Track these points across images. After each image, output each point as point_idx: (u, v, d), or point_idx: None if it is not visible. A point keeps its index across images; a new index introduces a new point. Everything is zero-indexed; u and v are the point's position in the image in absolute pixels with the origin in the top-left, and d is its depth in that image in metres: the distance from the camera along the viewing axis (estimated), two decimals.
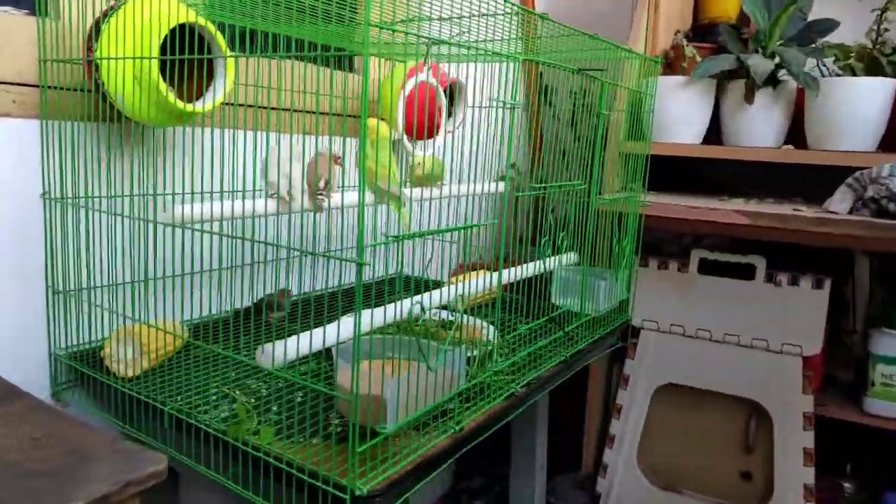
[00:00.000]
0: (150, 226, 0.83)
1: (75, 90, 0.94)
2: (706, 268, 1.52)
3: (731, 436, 1.52)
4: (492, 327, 1.16)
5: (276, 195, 0.92)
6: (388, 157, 0.97)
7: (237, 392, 0.86)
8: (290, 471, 0.71)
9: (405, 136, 1.20)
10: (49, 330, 0.99)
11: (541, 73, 2.00)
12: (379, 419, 0.70)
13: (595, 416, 1.67)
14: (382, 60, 1.51)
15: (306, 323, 1.13)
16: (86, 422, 0.73)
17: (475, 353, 0.96)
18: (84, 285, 0.96)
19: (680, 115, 1.50)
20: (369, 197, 1.02)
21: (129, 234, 0.91)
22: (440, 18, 0.99)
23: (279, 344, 0.72)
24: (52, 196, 0.95)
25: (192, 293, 1.08)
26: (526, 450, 1.37)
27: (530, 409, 1.35)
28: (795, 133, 1.49)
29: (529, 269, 1.19)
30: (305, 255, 0.71)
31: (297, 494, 0.72)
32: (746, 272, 1.48)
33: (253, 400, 0.86)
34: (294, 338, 0.73)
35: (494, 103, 0.83)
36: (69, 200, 0.94)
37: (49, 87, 0.94)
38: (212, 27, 0.92)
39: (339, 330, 0.78)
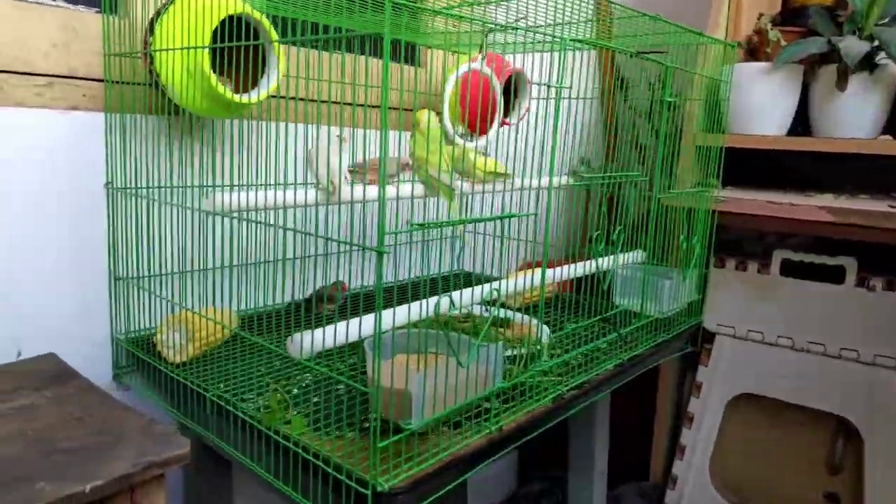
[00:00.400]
0: (201, 215, 0.84)
1: (136, 84, 0.98)
2: (790, 269, 1.40)
3: (815, 454, 1.40)
4: (544, 326, 1.11)
5: (319, 185, 0.92)
6: (439, 147, 0.95)
7: (274, 382, 0.86)
8: (316, 462, 0.70)
9: (450, 126, 1.17)
10: (111, 315, 1.04)
11: (617, 65, 1.92)
12: (404, 415, 0.68)
13: (664, 424, 1.58)
14: (447, 53, 1.49)
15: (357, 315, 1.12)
16: (127, 405, 0.75)
17: (521, 350, 0.92)
18: (140, 273, 0.99)
19: (762, 104, 1.39)
20: (419, 188, 1.00)
21: (179, 223, 0.93)
22: (496, 2, 0.96)
23: (308, 333, 0.71)
24: (115, 186, 0.99)
25: (247, 283, 1.10)
26: (584, 454, 1.31)
27: (588, 412, 1.29)
28: (894, 122, 1.35)
29: (586, 267, 1.13)
30: (329, 244, 0.69)
31: (322, 487, 0.71)
32: (835, 275, 1.35)
33: (295, 390, 0.86)
34: (325, 328, 0.72)
35: (545, 89, 0.79)
36: (127, 191, 0.98)
37: (113, 82, 0.98)
38: (260, 16, 0.93)
39: (377, 321, 0.77)
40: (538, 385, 0.91)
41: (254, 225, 0.84)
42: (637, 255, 1.29)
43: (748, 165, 1.52)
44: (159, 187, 0.99)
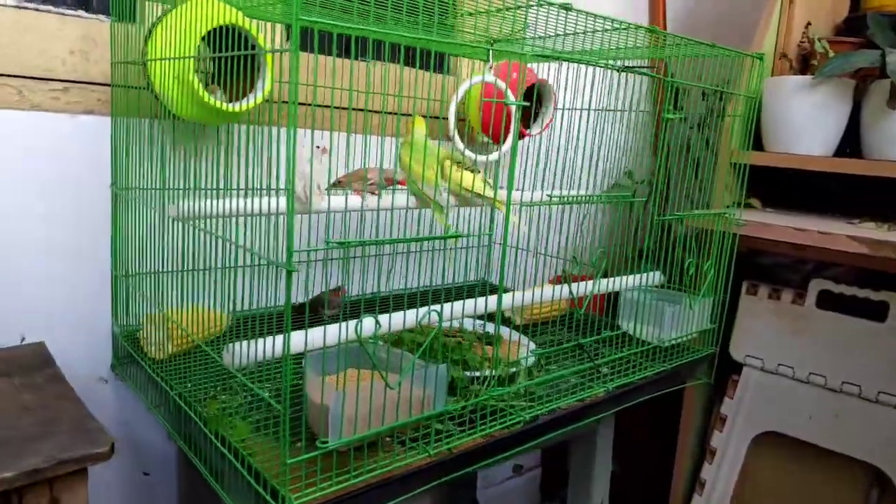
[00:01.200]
0: (168, 218, 0.87)
1: (139, 88, 1.02)
2: (827, 302, 1.28)
3: (846, 503, 1.28)
4: (532, 345, 1.07)
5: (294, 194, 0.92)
6: (425, 158, 0.93)
7: (223, 387, 0.87)
8: (241, 470, 0.71)
9: (458, 139, 1.15)
10: (113, 310, 1.09)
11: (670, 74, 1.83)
12: (327, 432, 0.67)
13: (686, 457, 1.49)
14: (475, 62, 1.47)
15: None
16: (79, 398, 0.79)
17: (490, 371, 0.89)
18: (133, 271, 1.04)
19: (805, 121, 1.28)
20: (412, 200, 0.99)
21: (159, 225, 0.96)
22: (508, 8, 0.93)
23: (243, 344, 0.71)
24: (118, 187, 1.04)
25: (242, 285, 1.12)
26: (582, 483, 1.25)
27: (588, 439, 1.24)
28: None
29: (590, 285, 1.08)
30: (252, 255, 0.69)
31: (248, 495, 0.71)
32: (877, 311, 1.23)
33: (249, 397, 0.87)
34: (265, 339, 0.72)
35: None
36: (125, 192, 1.02)
37: (117, 87, 1.03)
38: (250, 27, 0.95)
39: (286, 340, 0.75)
40: (505, 409, 0.88)
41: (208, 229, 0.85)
42: (653, 278, 1.22)
43: (792, 186, 1.41)
44: (146, 189, 1.02)
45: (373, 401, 0.68)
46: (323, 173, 0.90)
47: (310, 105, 1.21)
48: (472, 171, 0.90)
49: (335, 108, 1.20)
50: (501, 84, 1.16)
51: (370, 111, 1.27)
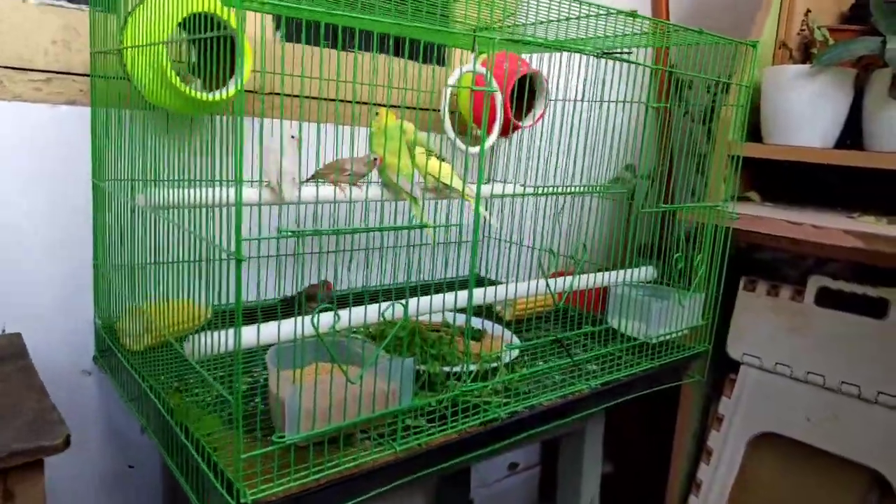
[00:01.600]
0: (141, 209, 0.86)
1: (118, 78, 1.01)
2: (827, 298, 1.24)
3: None
4: (516, 340, 1.05)
5: (268, 184, 0.91)
6: (396, 147, 0.91)
7: (201, 380, 0.86)
8: (201, 463, 0.69)
9: (450, 129, 1.12)
10: (95, 302, 1.08)
11: (672, 66, 1.79)
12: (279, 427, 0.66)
13: (682, 457, 1.46)
14: (467, 52, 1.45)
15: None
16: (45, 390, 0.78)
17: (462, 367, 0.87)
18: (112, 263, 1.03)
19: (804, 112, 1.25)
20: (386, 192, 0.97)
21: (131, 215, 0.95)
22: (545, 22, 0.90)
23: (205, 336, 0.70)
24: (98, 178, 1.03)
25: (217, 278, 1.11)
26: (571, 482, 1.23)
27: (577, 437, 1.21)
28: None
29: (575, 280, 1.05)
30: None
31: (213, 491, 0.70)
32: (877, 308, 1.19)
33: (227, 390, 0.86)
34: (227, 332, 0.71)
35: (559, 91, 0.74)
36: (104, 183, 1.01)
37: (97, 77, 1.02)
38: (227, 15, 0.93)
39: (237, 334, 0.73)
40: (482, 405, 0.86)
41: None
42: (645, 272, 1.19)
43: (792, 179, 1.37)
44: (121, 180, 1.01)
45: (333, 395, 0.66)
46: (295, 163, 0.89)
47: (289, 96, 1.19)
48: (440, 160, 0.88)
49: (324, 99, 1.19)
50: (482, 71, 1.13)
51: (342, 101, 1.24)
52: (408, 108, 1.34)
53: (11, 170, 1.00)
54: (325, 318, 0.66)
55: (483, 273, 1.48)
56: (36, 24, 1.01)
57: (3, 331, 1.03)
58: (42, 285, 1.05)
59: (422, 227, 0.67)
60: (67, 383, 1.10)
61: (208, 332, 0.70)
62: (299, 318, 0.67)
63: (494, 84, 1.01)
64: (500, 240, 1.37)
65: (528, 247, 1.36)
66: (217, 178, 0.94)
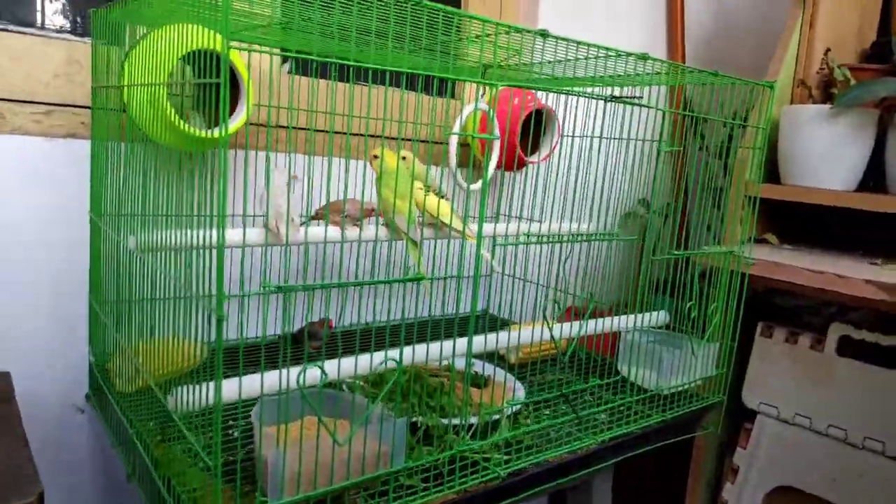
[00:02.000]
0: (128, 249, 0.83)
1: (118, 111, 1.00)
2: (849, 347, 1.19)
3: None
4: (521, 390, 1.00)
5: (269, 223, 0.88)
6: (401, 189, 0.88)
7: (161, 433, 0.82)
8: None
9: (454, 165, 1.09)
10: (90, 339, 1.06)
11: (688, 99, 1.76)
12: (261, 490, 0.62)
13: None
14: (481, 86, 1.43)
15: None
16: (23, 438, 0.74)
17: (463, 420, 0.82)
18: (106, 300, 1.01)
19: (824, 153, 1.20)
20: (384, 232, 0.94)
21: (118, 253, 0.92)
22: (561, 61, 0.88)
23: (188, 390, 0.66)
24: (96, 213, 1.01)
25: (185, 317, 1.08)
26: None
27: (585, 492, 1.16)
28: None
29: (582, 325, 1.01)
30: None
31: None
32: None
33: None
34: (208, 384, 0.67)
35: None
36: (100, 218, 0.99)
37: (98, 111, 1.00)
38: (230, 52, 0.92)
39: (217, 388, 0.69)
40: (482, 463, 0.81)
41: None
42: (658, 317, 1.14)
43: (811, 221, 1.33)
44: (113, 216, 0.98)
45: (320, 454, 0.62)
46: (295, 203, 0.86)
47: (299, 129, 1.17)
48: (440, 196, 0.85)
49: (334, 132, 1.17)
50: (484, 107, 1.10)
51: (352, 134, 1.22)
52: (420, 141, 1.32)
53: (9, 203, 0.99)
54: (313, 373, 0.62)
55: (488, 307, 1.44)
56: (39, 56, 1.00)
57: None
58: (38, 319, 1.03)
59: (418, 279, 0.63)
60: (59, 420, 1.07)
61: (191, 386, 0.67)
62: (284, 371, 0.63)
63: (496, 131, 0.98)
64: (504, 275, 1.34)
65: (535, 283, 1.32)
66: (215, 214, 0.92)
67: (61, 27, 1.10)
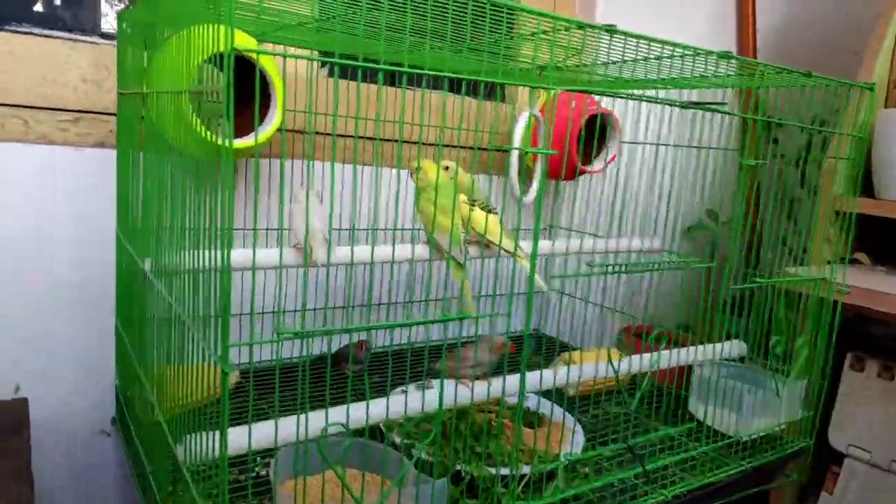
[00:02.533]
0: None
1: (141, 120, 0.94)
2: None
3: None
4: (581, 433, 0.89)
5: (296, 244, 0.80)
6: (445, 204, 0.79)
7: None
8: None
9: (515, 179, 0.99)
10: (117, 361, 1.00)
11: (762, 105, 1.61)
12: None
13: None
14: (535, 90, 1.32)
15: (377, 383, 1.00)
16: (29, 477, 0.68)
17: (513, 470, 0.72)
18: (127, 322, 0.94)
19: None
20: (424, 250, 0.85)
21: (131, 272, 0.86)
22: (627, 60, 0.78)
23: (208, 440, 0.58)
24: (121, 230, 0.95)
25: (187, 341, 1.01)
26: None
27: None
28: None
29: (644, 359, 0.89)
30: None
31: None
32: None
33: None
34: (220, 433, 0.59)
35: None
36: (122, 236, 0.93)
37: (124, 118, 0.94)
38: (259, 55, 0.84)
39: (223, 441, 0.60)
40: None
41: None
42: (733, 348, 1.01)
43: None
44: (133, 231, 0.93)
45: None
46: (324, 219, 0.78)
47: (343, 136, 1.09)
48: (487, 211, 0.75)
49: (374, 139, 1.08)
50: (537, 114, 0.99)
51: (391, 140, 1.14)
52: (468, 147, 1.22)
53: (35, 216, 0.93)
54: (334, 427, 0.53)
55: (543, 326, 1.33)
56: (65, 61, 0.95)
57: (18, 389, 0.95)
58: (66, 340, 0.97)
59: (461, 318, 0.54)
60: (86, 442, 1.02)
61: (197, 434, 0.59)
62: (298, 419, 0.54)
63: (549, 145, 0.88)
64: (562, 293, 1.23)
65: (595, 304, 1.20)
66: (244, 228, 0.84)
67: (89, 30, 1.04)
